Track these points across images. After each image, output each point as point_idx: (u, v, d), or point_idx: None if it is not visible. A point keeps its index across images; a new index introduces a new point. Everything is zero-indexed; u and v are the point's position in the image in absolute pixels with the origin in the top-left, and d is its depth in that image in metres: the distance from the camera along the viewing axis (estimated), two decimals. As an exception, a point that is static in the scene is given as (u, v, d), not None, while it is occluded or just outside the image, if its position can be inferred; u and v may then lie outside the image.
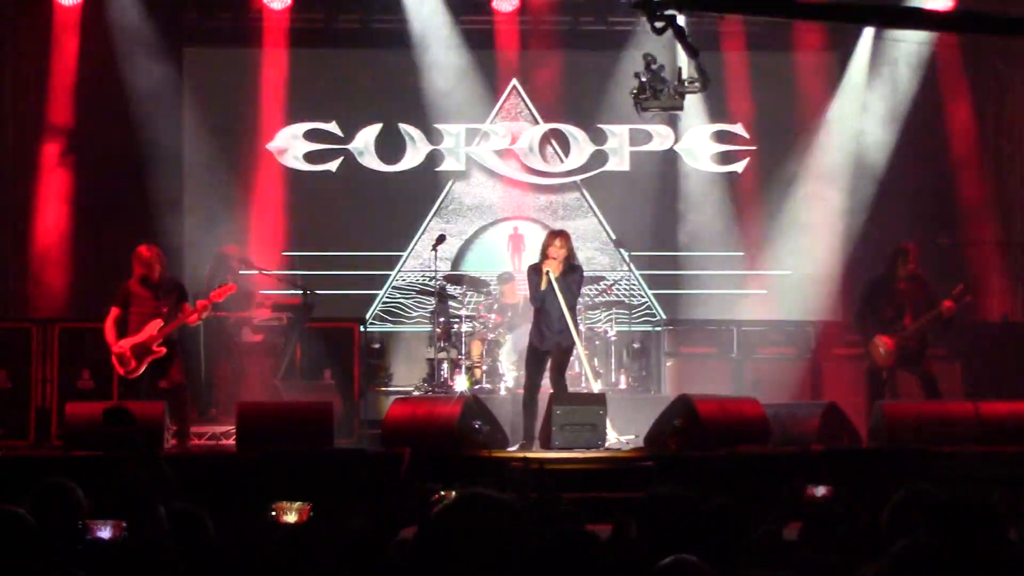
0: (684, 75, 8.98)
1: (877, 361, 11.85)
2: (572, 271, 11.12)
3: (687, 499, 4.51)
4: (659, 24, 6.55)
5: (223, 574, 4.28)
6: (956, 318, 11.96)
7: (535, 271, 11.09)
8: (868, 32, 15.45)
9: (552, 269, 10.92)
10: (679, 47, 9.43)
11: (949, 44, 15.43)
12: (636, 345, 14.55)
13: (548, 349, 11.16)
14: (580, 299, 13.35)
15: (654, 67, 9.08)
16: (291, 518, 8.11)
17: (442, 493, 4.73)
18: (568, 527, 3.92)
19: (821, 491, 6.83)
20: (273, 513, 7.95)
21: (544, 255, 11.04)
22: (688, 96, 15.78)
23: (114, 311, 11.39)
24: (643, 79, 9.13)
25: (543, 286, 10.95)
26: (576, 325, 11.23)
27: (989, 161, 15.62)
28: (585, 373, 12.51)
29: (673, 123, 16.01)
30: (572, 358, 11.89)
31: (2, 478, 9.48)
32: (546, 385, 11.47)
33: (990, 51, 15.68)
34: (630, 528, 5.51)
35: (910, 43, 15.31)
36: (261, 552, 4.40)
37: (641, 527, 4.46)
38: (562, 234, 11.27)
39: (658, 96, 9.08)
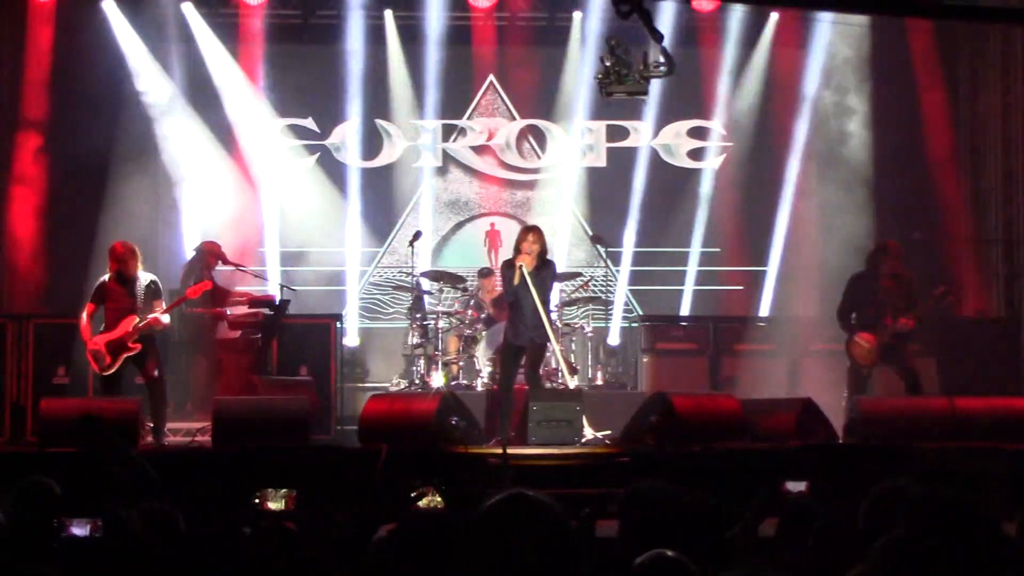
0: (650, 60, 8.94)
1: (858, 360, 11.87)
2: (545, 266, 11.12)
3: (668, 494, 4.51)
4: (624, 8, 6.52)
5: (196, 571, 4.26)
6: (913, 332, 11.98)
7: (508, 266, 11.11)
8: (844, 27, 15.45)
9: (525, 264, 10.92)
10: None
11: (925, 42, 15.50)
12: (613, 342, 14.57)
13: (523, 344, 11.16)
14: (556, 295, 13.37)
15: (618, 52, 9.04)
16: (276, 505, 8.11)
17: (421, 489, 4.71)
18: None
19: (798, 488, 6.83)
20: (257, 500, 7.94)
21: (517, 250, 11.05)
22: (664, 91, 15.89)
23: (89, 307, 11.35)
24: (607, 63, 9.10)
25: (516, 281, 10.96)
26: (550, 320, 11.22)
27: (964, 158, 15.68)
28: (560, 369, 12.51)
29: (650, 119, 16.04)
30: (547, 354, 11.90)
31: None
32: (520, 381, 11.49)
33: (966, 50, 15.75)
34: (593, 525, 5.52)
35: (887, 38, 15.38)
36: (239, 549, 4.38)
37: (621, 522, 4.45)
38: (535, 229, 11.29)
39: (623, 81, 9.05)
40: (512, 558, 2.65)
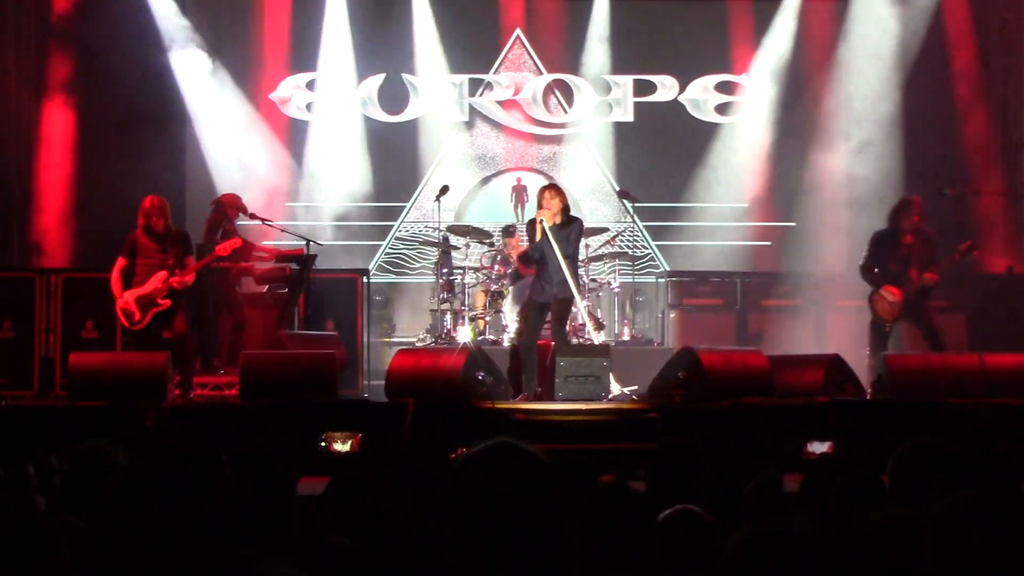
0: None
1: (881, 314, 11.81)
2: (570, 223, 11.08)
3: (694, 451, 4.50)
4: None
5: (242, 521, 4.25)
6: (939, 286, 11.89)
7: (532, 225, 11.11)
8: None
9: (546, 219, 10.90)
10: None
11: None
12: (639, 297, 14.54)
13: (546, 301, 11.12)
14: (582, 250, 13.31)
15: None
16: (342, 447, 8.18)
17: (463, 450, 4.69)
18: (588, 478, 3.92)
19: (821, 448, 6.80)
20: (323, 443, 7.99)
21: (538, 207, 11.06)
22: (692, 45, 15.76)
23: (120, 261, 11.36)
24: None
25: (538, 237, 10.95)
26: (576, 276, 11.18)
27: (995, 111, 15.54)
28: (586, 324, 12.49)
29: (677, 73, 15.95)
30: (573, 310, 11.87)
31: (7, 428, 9.52)
32: (545, 337, 11.48)
33: (997, 3, 15.59)
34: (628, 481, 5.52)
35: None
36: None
37: (649, 479, 4.45)
38: (553, 187, 11.31)
39: None
40: (495, 508, 2.63)
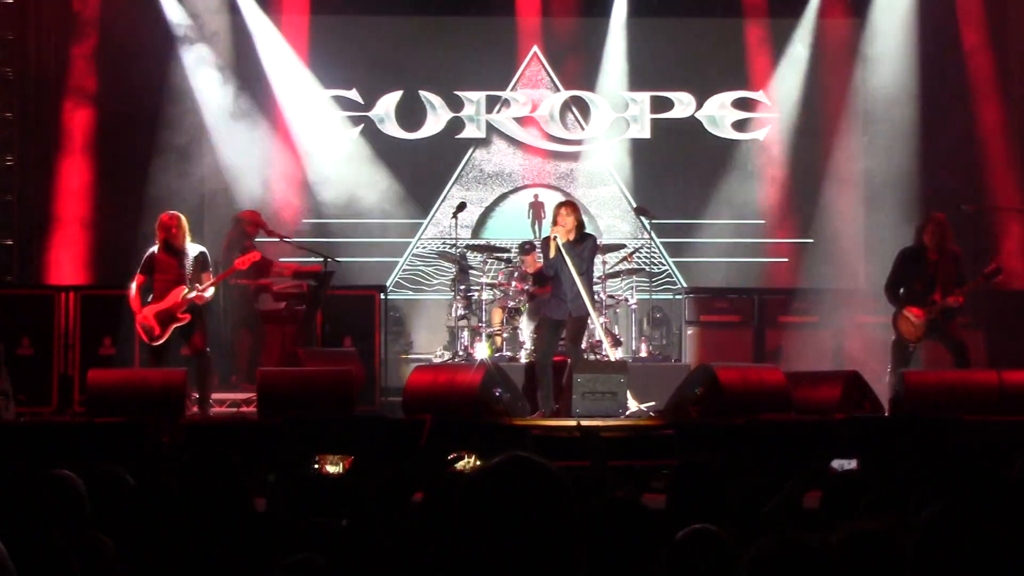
0: None
1: (905, 334, 11.72)
2: (584, 240, 11.09)
3: (718, 468, 4.49)
4: None
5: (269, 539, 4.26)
6: (962, 309, 11.82)
7: (546, 243, 11.13)
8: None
9: (560, 236, 10.91)
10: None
11: (974, 10, 15.33)
12: (657, 313, 14.54)
13: (561, 318, 11.13)
14: (599, 267, 13.33)
15: None
16: (334, 469, 8.21)
17: (460, 453, 4.70)
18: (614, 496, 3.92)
19: (847, 466, 6.77)
20: (316, 465, 8.03)
21: (553, 224, 11.08)
22: (709, 62, 15.78)
23: (139, 278, 11.40)
24: None
25: (552, 254, 10.96)
26: (591, 293, 11.19)
27: (1015, 128, 15.49)
28: (603, 341, 12.49)
29: (695, 90, 15.97)
30: (590, 326, 11.87)
31: (26, 444, 9.54)
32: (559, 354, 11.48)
33: (1014, 18, 15.56)
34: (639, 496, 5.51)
35: (935, 2, 15.26)
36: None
37: (670, 495, 4.44)
38: (568, 203, 11.32)
39: None
40: (509, 521, 2.64)
